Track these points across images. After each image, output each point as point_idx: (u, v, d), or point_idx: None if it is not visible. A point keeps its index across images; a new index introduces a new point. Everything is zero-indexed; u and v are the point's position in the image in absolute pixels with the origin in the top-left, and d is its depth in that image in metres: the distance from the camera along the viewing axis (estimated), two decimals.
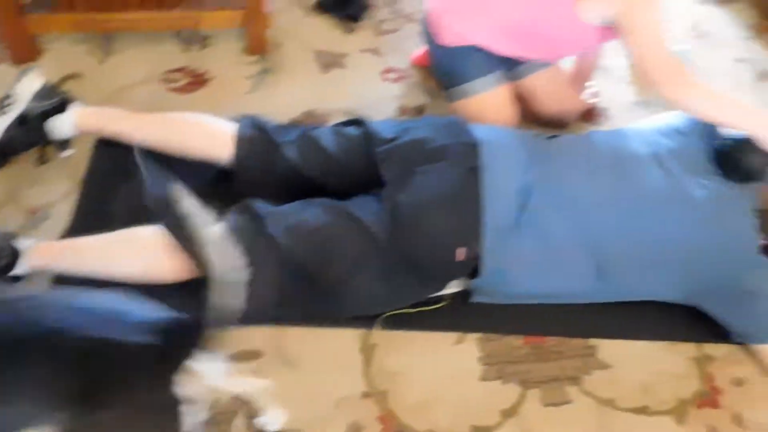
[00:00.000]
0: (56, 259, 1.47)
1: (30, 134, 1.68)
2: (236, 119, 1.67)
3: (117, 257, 1.47)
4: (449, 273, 1.54)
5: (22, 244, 1.45)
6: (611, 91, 2.14)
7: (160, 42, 2.10)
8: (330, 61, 2.16)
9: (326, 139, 1.64)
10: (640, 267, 1.55)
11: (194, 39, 2.14)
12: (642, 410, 1.48)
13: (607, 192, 1.55)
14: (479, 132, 1.61)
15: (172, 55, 2.09)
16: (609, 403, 1.49)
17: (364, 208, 1.52)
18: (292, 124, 1.91)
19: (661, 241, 1.53)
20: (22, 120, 1.66)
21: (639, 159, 1.59)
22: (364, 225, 1.47)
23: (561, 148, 1.64)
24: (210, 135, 1.66)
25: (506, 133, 1.65)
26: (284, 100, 2.02)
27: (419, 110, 2.04)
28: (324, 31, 2.25)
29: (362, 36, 2.24)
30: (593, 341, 1.58)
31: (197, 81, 2.04)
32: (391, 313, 1.54)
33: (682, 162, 1.57)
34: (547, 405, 1.48)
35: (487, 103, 1.84)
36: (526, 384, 1.50)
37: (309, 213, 1.51)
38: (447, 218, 1.49)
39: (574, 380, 1.51)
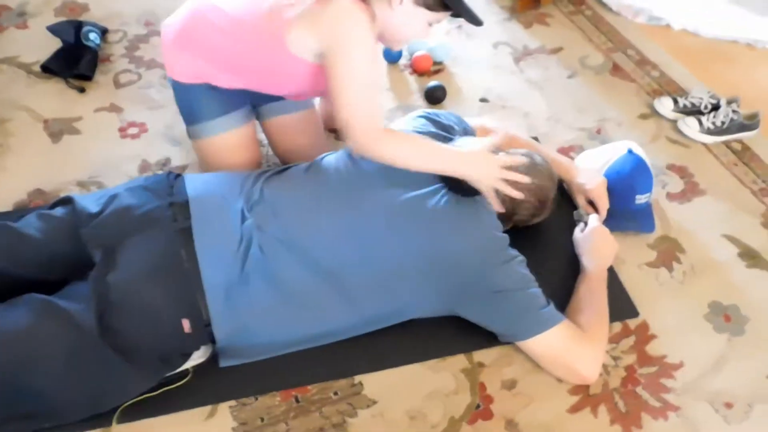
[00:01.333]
0: None
1: None
2: None
3: None
4: (183, 346, 1.39)
5: None
6: None
7: None
8: (61, 129, 1.97)
9: (30, 227, 1.47)
10: (390, 288, 1.47)
11: None
12: None
13: (337, 223, 1.45)
14: (192, 186, 1.48)
15: None
16: None
17: (73, 297, 1.36)
18: (13, 211, 1.72)
19: (404, 257, 1.45)
20: None
21: (369, 179, 1.52)
22: (72, 317, 1.31)
23: (286, 183, 1.54)
24: None
25: (221, 183, 1.52)
26: (9, 182, 1.83)
27: (163, 164, 1.90)
28: (52, 96, 2.07)
29: (97, 94, 2.08)
30: (359, 378, 1.49)
31: None
32: (131, 402, 1.39)
33: (411, 176, 1.51)
34: None
35: (225, 144, 1.72)
36: None
37: (8, 318, 1.33)
38: (162, 291, 1.34)
39: (340, 427, 1.41)
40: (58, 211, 1.50)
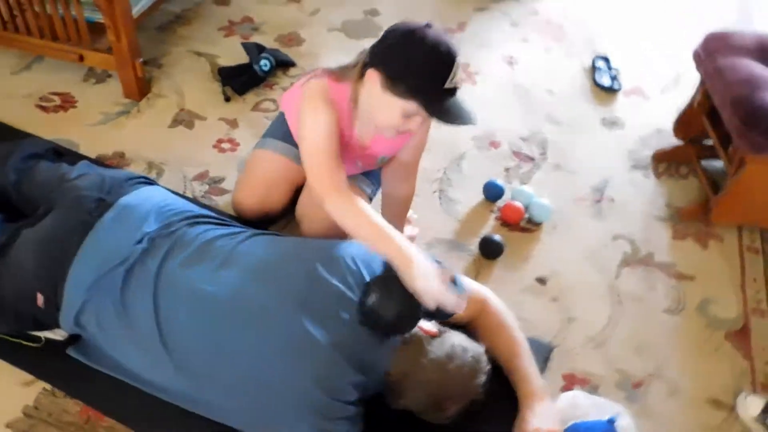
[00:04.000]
0: None
1: None
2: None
3: None
4: (35, 315, 1.52)
5: None
6: None
7: (69, 69, 2.41)
8: (184, 119, 2.27)
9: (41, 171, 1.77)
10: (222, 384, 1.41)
11: (99, 75, 2.42)
12: None
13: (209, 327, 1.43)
14: (134, 195, 1.60)
15: (65, 81, 2.38)
16: None
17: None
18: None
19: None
20: None
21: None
22: None
23: (203, 243, 1.53)
24: None
25: (156, 204, 1.60)
26: (113, 137, 2.18)
27: (201, 175, 2.09)
28: (205, 93, 2.38)
29: (234, 108, 2.33)
30: None
31: (64, 106, 2.29)
32: None
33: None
34: None
35: (265, 160, 1.87)
36: None
37: None
38: (37, 259, 1.49)
39: None
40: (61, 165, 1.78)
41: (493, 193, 2.08)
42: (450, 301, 1.37)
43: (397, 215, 1.86)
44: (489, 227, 2.02)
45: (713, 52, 2.04)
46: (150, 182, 1.74)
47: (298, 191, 1.88)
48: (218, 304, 1.43)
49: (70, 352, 1.54)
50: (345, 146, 1.61)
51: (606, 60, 2.69)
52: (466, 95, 2.39)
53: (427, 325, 1.48)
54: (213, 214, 1.69)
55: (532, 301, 1.83)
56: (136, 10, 2.33)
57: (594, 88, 2.58)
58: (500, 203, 2.07)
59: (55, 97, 2.32)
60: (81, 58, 2.31)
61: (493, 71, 2.64)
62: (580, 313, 1.81)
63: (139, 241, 1.51)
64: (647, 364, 1.71)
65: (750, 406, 1.59)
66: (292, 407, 1.33)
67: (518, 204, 2.03)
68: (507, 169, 2.21)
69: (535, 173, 2.21)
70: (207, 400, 1.43)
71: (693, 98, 2.20)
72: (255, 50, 2.49)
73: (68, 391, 1.52)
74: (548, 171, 2.22)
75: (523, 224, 2.03)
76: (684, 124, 2.25)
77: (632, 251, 1.99)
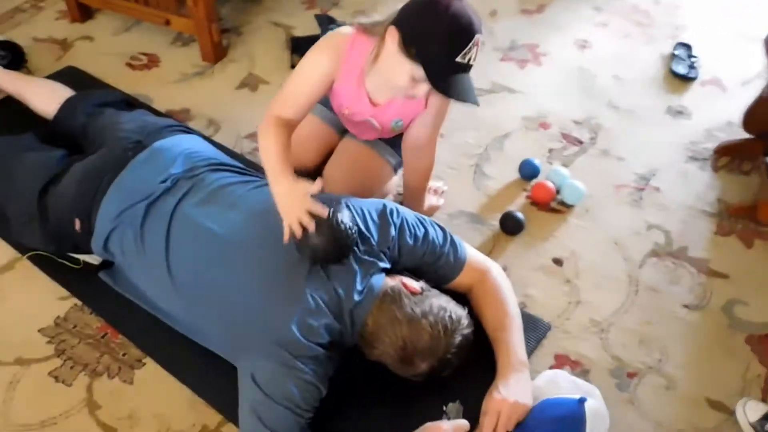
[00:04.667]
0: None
1: None
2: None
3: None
4: (73, 239, 1.71)
5: None
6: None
7: (161, 33, 2.65)
8: (248, 83, 2.44)
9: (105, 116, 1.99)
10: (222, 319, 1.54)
11: (185, 39, 2.63)
12: None
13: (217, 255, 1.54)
14: (167, 140, 1.76)
15: (155, 44, 2.62)
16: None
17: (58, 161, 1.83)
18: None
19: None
20: None
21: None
22: (40, 170, 1.78)
23: (220, 188, 1.65)
24: (50, 96, 2.12)
25: (183, 149, 1.74)
26: (184, 95, 2.38)
27: None
28: (276, 60, 2.53)
29: None
30: (146, 359, 1.62)
31: (148, 65, 2.53)
32: (38, 252, 1.79)
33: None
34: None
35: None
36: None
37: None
38: (78, 188, 1.69)
39: (95, 373, 1.58)
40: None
41: (528, 171, 2.06)
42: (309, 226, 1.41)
43: (416, 185, 1.89)
44: (517, 205, 2.00)
45: None
46: (188, 131, 1.90)
47: (331, 152, 1.97)
48: (218, 240, 1.54)
49: (101, 275, 1.73)
50: (354, 100, 1.67)
51: (688, 47, 2.54)
52: (530, 74, 2.42)
53: (411, 282, 1.51)
54: (237, 164, 1.82)
55: (544, 280, 1.80)
56: None
57: (668, 76, 2.46)
58: (534, 183, 2.05)
59: (143, 57, 2.56)
60: (167, 23, 2.53)
61: (561, 54, 2.58)
62: (591, 298, 1.76)
63: (164, 181, 1.66)
64: (649, 357, 1.64)
65: (749, 411, 1.49)
66: (266, 339, 1.42)
67: (550, 184, 1.99)
68: (551, 150, 2.17)
69: (579, 157, 2.15)
70: (199, 325, 1.56)
71: (764, 89, 2.04)
72: (326, 22, 2.60)
73: (93, 308, 1.72)
74: (594, 156, 2.16)
75: (553, 205, 1.99)
76: (754, 116, 2.09)
77: (665, 242, 1.90)
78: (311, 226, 1.42)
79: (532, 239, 1.91)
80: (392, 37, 1.46)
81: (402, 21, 1.46)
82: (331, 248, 1.43)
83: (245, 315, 1.47)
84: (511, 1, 2.87)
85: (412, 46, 1.44)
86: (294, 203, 1.45)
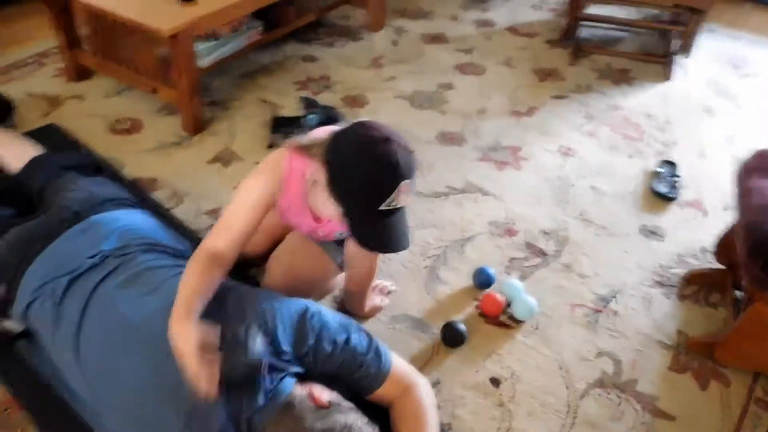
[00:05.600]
0: None
1: None
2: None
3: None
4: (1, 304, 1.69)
5: None
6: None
7: (149, 101, 2.68)
8: (225, 158, 2.43)
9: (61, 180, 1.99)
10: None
11: (170, 108, 2.66)
12: None
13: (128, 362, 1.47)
14: (108, 215, 1.74)
15: (141, 110, 2.65)
16: None
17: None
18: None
19: None
20: None
21: None
22: None
23: (142, 269, 1.62)
24: (20, 153, 2.14)
25: (120, 226, 1.71)
26: (157, 164, 2.39)
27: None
28: (252, 139, 2.54)
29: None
30: None
31: (130, 131, 2.55)
32: None
33: None
34: None
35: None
36: None
37: None
38: (8, 253, 1.67)
39: None
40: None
41: (482, 279, 1.98)
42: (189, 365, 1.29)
43: (357, 289, 1.83)
44: (465, 314, 1.92)
45: (752, 169, 1.81)
46: (135, 205, 1.88)
47: (278, 241, 1.93)
48: (127, 326, 1.49)
49: (19, 344, 1.69)
50: (299, 212, 1.64)
51: (672, 166, 2.48)
52: (507, 177, 2.37)
53: (320, 393, 1.43)
54: (177, 246, 1.78)
55: (476, 401, 1.69)
56: (210, 59, 2.57)
57: (647, 194, 2.38)
58: (485, 293, 1.96)
59: (127, 121, 2.60)
60: (154, 91, 2.57)
61: (543, 159, 2.54)
62: (522, 426, 1.64)
63: (92, 256, 1.63)
64: None
65: None
66: None
67: (501, 297, 1.91)
68: (512, 260, 2.09)
69: (539, 269, 2.07)
70: (99, 412, 1.49)
71: (737, 219, 1.95)
72: (310, 104, 2.61)
73: (1, 377, 1.66)
74: (555, 270, 2.07)
75: (502, 318, 1.90)
76: (726, 245, 2.00)
77: (614, 372, 1.78)
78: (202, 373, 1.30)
79: (473, 353, 1.81)
80: (321, 174, 1.41)
81: (331, 158, 1.40)
82: (235, 376, 1.35)
83: (140, 409, 1.40)
84: (502, 101, 2.86)
85: (335, 190, 1.39)
86: (185, 347, 1.32)
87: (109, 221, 1.74)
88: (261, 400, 1.39)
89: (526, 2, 3.76)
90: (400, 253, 2.01)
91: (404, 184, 1.35)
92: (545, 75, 3.09)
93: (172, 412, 1.36)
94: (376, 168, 1.33)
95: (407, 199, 1.38)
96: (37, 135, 2.33)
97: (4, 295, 1.65)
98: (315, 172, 1.46)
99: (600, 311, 1.95)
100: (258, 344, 1.37)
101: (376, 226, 1.38)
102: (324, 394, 1.43)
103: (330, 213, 1.46)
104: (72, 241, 1.67)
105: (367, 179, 1.34)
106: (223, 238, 1.51)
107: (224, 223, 1.53)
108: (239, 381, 1.34)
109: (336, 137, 1.41)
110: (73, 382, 1.55)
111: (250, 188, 1.55)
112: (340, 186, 1.38)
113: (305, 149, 1.52)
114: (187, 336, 1.31)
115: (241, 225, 1.52)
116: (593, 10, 3.37)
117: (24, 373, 1.64)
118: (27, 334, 1.68)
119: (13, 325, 1.70)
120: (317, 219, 1.66)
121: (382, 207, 1.35)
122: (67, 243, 1.66)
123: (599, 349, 1.85)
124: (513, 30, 3.47)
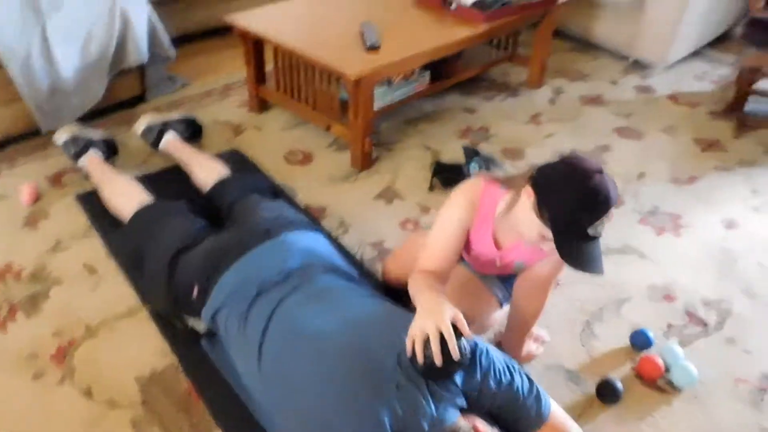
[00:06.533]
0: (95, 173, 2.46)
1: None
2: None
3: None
4: (187, 302, 1.85)
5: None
6: None
7: (322, 136, 2.89)
8: (388, 196, 2.57)
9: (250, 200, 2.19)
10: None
11: (341, 144, 2.85)
12: None
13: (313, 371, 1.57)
14: (293, 235, 1.90)
15: (314, 144, 2.86)
16: None
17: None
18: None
19: None
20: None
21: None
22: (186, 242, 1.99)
23: (335, 292, 1.75)
24: (211, 172, 2.40)
25: (307, 247, 1.86)
26: (326, 195, 2.57)
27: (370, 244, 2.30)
28: (414, 181, 2.67)
29: (431, 198, 2.58)
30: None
31: (302, 161, 2.76)
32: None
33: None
34: None
35: (417, 241, 1.99)
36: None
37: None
38: (204, 259, 1.85)
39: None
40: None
41: (640, 341, 1.96)
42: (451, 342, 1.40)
43: (520, 327, 1.88)
44: (619, 373, 1.90)
45: None
46: (316, 230, 2.03)
47: None
48: (308, 339, 1.60)
49: (203, 342, 1.86)
50: (482, 243, 1.72)
51: None
52: (666, 243, 2.35)
53: (483, 428, 1.47)
54: (351, 270, 1.90)
55: None
56: (382, 102, 2.75)
57: None
58: (643, 355, 1.94)
59: (300, 153, 2.81)
60: (329, 128, 2.77)
61: (704, 229, 2.48)
62: None
63: (278, 273, 1.78)
64: None
65: None
66: None
67: (660, 361, 1.88)
68: (670, 326, 2.06)
69: (700, 339, 2.02)
70: (273, 414, 1.61)
71: None
72: (471, 154, 2.71)
73: (186, 369, 1.84)
74: (717, 342, 2.01)
75: (660, 383, 1.87)
76: None
77: None
78: (447, 334, 1.42)
79: (627, 413, 1.79)
80: (528, 195, 1.51)
81: (539, 182, 1.50)
82: (446, 364, 1.44)
83: (315, 417, 1.49)
84: (663, 167, 2.84)
85: (545, 210, 1.47)
86: (437, 310, 1.46)
87: (294, 241, 1.89)
88: (425, 424, 1.45)
89: (689, 72, 3.72)
90: (558, 304, 2.05)
91: (611, 212, 1.44)
92: (707, 145, 3.03)
93: (344, 419, 1.45)
94: (590, 195, 1.43)
95: (606, 228, 1.48)
96: (222, 158, 2.57)
97: (197, 297, 1.83)
98: (514, 197, 1.57)
99: (766, 389, 1.87)
100: (467, 346, 1.46)
101: (581, 247, 1.47)
102: (488, 429, 1.47)
103: (530, 233, 1.53)
104: (261, 257, 1.83)
105: (581, 204, 1.43)
106: (433, 261, 1.68)
107: (430, 249, 1.68)
108: (437, 373, 1.43)
109: (543, 167, 1.52)
110: (251, 384, 1.68)
111: (450, 216, 1.68)
112: (551, 206, 1.46)
113: (504, 182, 1.65)
114: (440, 299, 1.49)
115: (445, 251, 1.67)
116: (762, 84, 3.28)
117: (205, 367, 1.81)
118: (212, 334, 1.85)
119: (200, 325, 1.88)
120: (498, 247, 1.73)
121: (589, 230, 1.44)
122: (257, 258, 1.82)
123: (763, 428, 1.77)
124: (674, 98, 3.44)
